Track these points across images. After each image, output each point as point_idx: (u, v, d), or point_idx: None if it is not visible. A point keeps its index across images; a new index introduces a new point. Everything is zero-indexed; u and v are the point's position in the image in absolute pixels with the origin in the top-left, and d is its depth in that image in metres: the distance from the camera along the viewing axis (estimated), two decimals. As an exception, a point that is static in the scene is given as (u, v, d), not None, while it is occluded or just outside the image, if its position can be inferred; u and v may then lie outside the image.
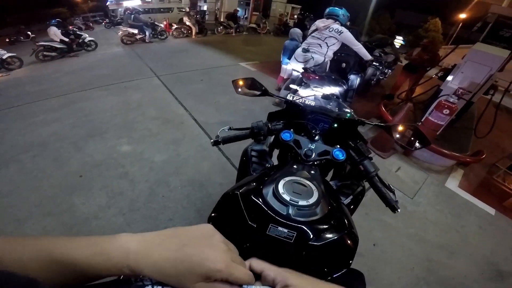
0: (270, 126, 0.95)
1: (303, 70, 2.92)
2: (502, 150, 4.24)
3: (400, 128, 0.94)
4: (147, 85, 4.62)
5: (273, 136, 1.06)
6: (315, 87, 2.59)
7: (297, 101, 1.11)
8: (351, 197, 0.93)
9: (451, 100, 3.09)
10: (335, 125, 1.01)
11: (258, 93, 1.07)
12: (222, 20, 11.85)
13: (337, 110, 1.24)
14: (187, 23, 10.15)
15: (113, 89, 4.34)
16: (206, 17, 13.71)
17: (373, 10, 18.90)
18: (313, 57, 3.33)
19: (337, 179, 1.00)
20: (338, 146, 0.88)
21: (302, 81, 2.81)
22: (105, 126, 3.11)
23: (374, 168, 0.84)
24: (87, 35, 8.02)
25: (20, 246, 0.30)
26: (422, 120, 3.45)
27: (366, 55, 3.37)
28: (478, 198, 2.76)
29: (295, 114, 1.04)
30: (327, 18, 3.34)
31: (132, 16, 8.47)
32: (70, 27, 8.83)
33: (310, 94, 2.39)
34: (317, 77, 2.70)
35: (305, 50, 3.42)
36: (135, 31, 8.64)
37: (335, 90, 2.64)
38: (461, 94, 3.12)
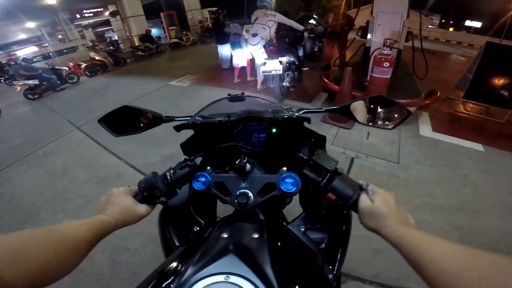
0: (169, 177, 0.59)
1: (263, 48, 3.88)
2: (446, 83, 4.59)
3: (361, 104, 0.72)
4: (68, 142, 3.83)
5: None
6: (279, 56, 3.49)
7: (208, 117, 0.79)
8: (326, 236, 0.64)
9: (385, 52, 3.12)
10: (273, 130, 0.74)
11: (144, 125, 0.80)
12: (137, 44, 10.87)
13: (269, 110, 0.85)
14: (97, 57, 9.05)
15: (32, 160, 3.52)
16: (121, 46, 12.56)
17: None
18: (262, 38, 4.08)
19: (302, 214, 0.68)
20: (285, 168, 0.57)
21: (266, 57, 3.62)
22: (35, 207, 2.58)
23: (352, 187, 0.53)
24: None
25: None
26: (368, 79, 3.49)
27: (298, 26, 4.29)
28: (458, 136, 2.71)
29: (215, 134, 0.77)
30: (260, 8, 4.18)
31: (23, 65, 7.13)
32: None
33: (276, 63, 3.40)
34: (275, 48, 3.62)
35: (255, 35, 4.16)
36: (36, 82, 7.28)
37: (292, 56, 3.72)
38: (391, 44, 3.15)
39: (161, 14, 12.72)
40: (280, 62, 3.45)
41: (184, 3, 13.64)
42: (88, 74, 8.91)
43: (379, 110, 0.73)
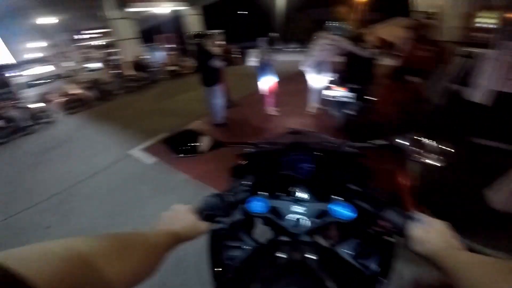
0: (229, 199, 0.67)
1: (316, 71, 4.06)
2: None
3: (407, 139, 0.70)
4: None
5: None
6: (347, 82, 3.47)
7: (262, 145, 0.87)
8: (374, 260, 0.64)
9: None
10: (323, 162, 0.78)
11: (204, 148, 0.82)
12: (127, 73, 9.52)
13: (319, 141, 0.94)
14: (71, 91, 7.79)
15: None
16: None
17: (288, 14, 20.03)
18: (318, 61, 3.93)
19: (349, 238, 0.69)
20: (340, 198, 0.64)
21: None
22: None
23: (403, 216, 0.57)
24: None
25: None
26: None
27: (360, 52, 3.73)
28: None
29: (265, 162, 0.84)
30: (324, 31, 4.11)
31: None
32: None
33: (344, 90, 3.40)
34: (344, 74, 3.73)
35: (311, 56, 4.04)
36: (1, 123, 6.06)
37: (359, 84, 3.47)
38: None
39: (159, 37, 11.44)
40: (349, 89, 3.37)
41: (186, 25, 12.41)
42: (67, 111, 7.58)
43: (427, 143, 0.69)
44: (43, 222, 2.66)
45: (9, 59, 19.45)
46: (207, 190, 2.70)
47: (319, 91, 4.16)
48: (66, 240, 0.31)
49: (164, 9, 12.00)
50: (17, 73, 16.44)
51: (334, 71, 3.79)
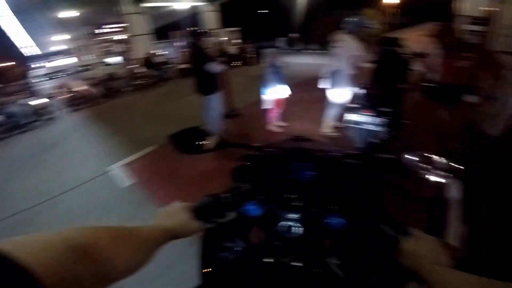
0: (226, 201, 0.67)
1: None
2: None
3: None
4: None
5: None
6: (378, 106, 2.55)
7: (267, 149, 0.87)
8: (366, 271, 0.62)
9: None
10: (324, 171, 0.77)
11: (210, 147, 0.83)
12: (139, 70, 9.15)
13: (321, 149, 0.93)
14: (76, 87, 7.47)
15: None
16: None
17: (310, 15, 19.01)
18: (333, 69, 3.23)
19: (341, 247, 0.67)
20: (334, 207, 0.65)
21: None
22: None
23: (397, 229, 0.57)
24: None
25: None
26: None
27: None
28: None
29: (266, 166, 0.83)
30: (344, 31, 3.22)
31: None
32: None
33: (374, 117, 2.49)
34: (374, 93, 2.73)
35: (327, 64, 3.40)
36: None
37: (390, 107, 2.56)
38: None
39: (174, 33, 10.96)
40: (378, 112, 2.49)
41: (203, 22, 11.90)
42: (70, 108, 7.32)
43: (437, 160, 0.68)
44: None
45: (35, 51, 20.02)
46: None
47: (338, 107, 3.30)
48: (66, 230, 0.32)
49: (181, 5, 11.58)
50: (41, 65, 16.79)
51: (359, 84, 2.90)
